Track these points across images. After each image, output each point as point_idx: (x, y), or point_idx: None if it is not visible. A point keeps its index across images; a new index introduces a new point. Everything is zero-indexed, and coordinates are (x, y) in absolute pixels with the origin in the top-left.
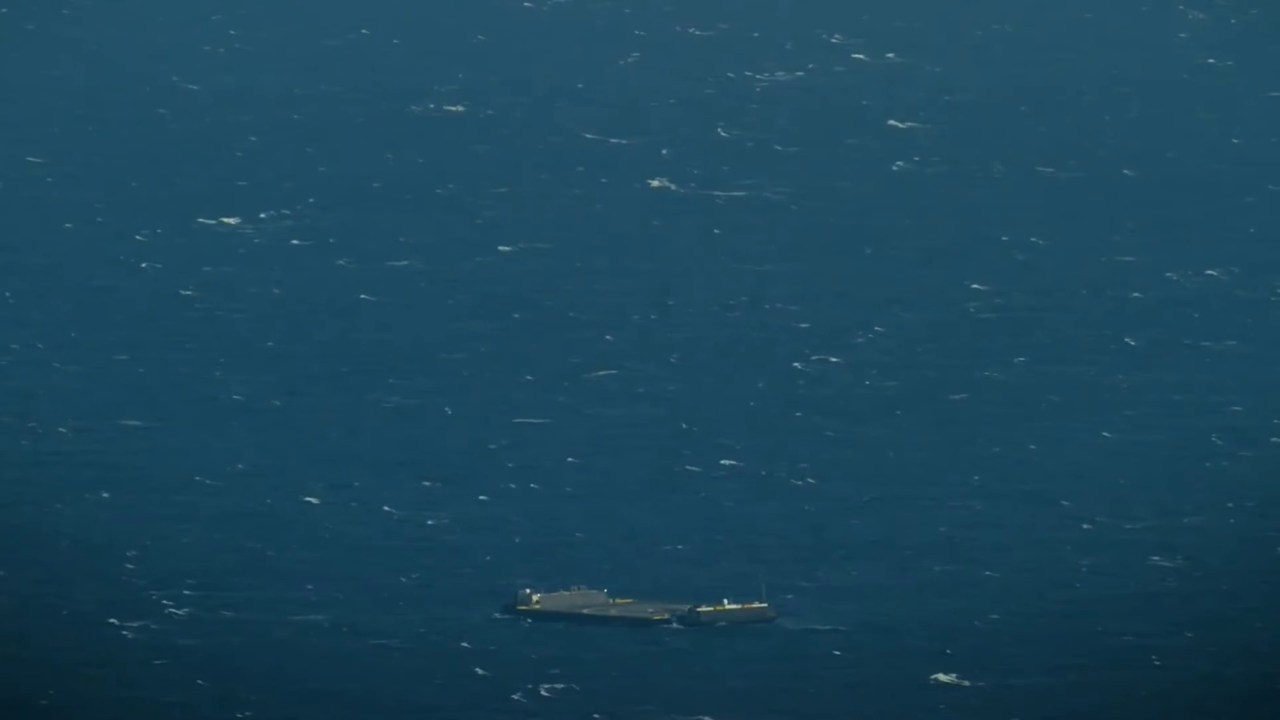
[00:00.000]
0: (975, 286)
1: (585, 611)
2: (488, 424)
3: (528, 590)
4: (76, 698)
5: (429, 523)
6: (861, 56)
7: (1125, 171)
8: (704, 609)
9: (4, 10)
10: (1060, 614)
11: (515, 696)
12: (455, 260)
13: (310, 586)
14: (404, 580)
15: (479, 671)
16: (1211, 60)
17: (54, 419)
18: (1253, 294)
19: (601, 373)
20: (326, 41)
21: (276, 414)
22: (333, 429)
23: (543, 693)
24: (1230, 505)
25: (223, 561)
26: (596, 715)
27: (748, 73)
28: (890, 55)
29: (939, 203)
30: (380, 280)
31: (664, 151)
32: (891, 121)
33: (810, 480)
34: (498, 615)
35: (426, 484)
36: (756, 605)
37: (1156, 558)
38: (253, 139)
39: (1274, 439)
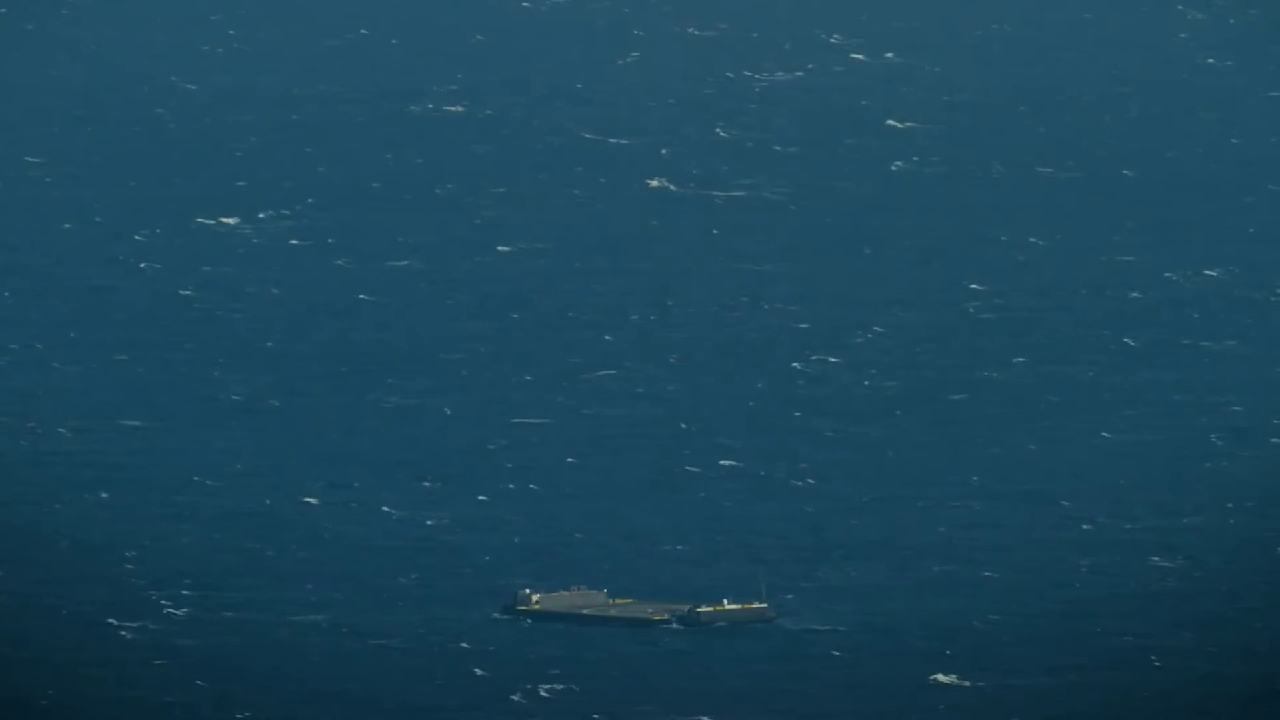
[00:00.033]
0: (974, 287)
1: (585, 612)
2: (487, 424)
3: (527, 590)
4: (76, 698)
5: (428, 523)
6: (860, 56)
7: (1125, 171)
8: (704, 609)
9: (3, 10)
10: (1060, 614)
11: (515, 697)
12: (454, 260)
13: (309, 587)
14: (403, 580)
15: (478, 672)
16: (1211, 60)
17: (53, 419)
18: (1252, 294)
19: (601, 373)
20: (325, 41)
21: (276, 414)
22: (332, 429)
23: (542, 693)
24: (1230, 505)
25: (222, 562)
26: (596, 715)
27: (747, 73)
28: (889, 55)
29: (938, 203)
30: (379, 280)
31: (663, 151)
32: (890, 121)
33: (810, 480)
34: (497, 615)
35: (426, 484)
36: (756, 605)
37: (1156, 558)
38: (252, 139)
39: (1274, 439)
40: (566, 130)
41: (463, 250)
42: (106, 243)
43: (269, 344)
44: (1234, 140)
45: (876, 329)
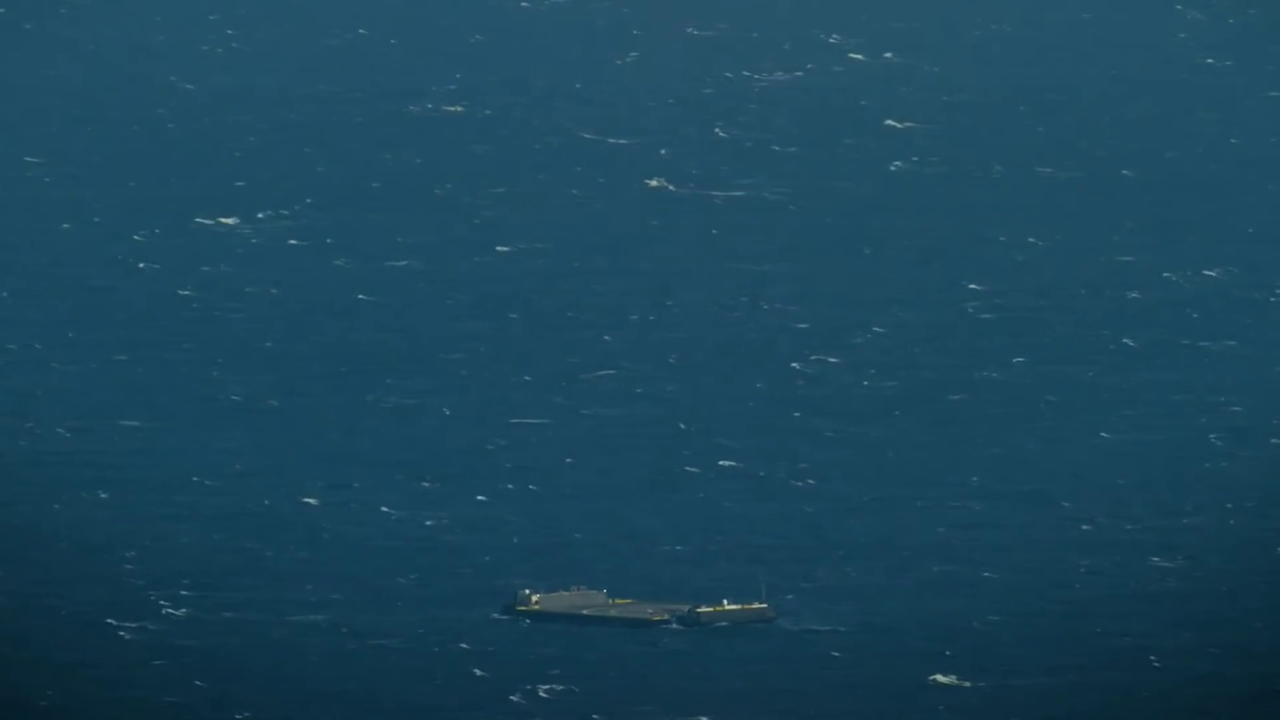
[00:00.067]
0: (974, 287)
1: (584, 612)
2: (486, 424)
3: (527, 591)
4: (75, 698)
5: (428, 523)
6: (860, 56)
7: (1124, 172)
8: (703, 609)
9: (2, 10)
10: (1059, 614)
11: (514, 697)
12: (454, 260)
13: (309, 587)
14: (402, 581)
15: (478, 672)
16: (1210, 60)
17: (52, 419)
18: (1252, 294)
19: (600, 373)
20: (324, 41)
21: (275, 414)
22: (331, 429)
23: (541, 693)
24: (1230, 505)
25: (221, 562)
26: (596, 716)
27: (746, 73)
28: (888, 55)
29: (938, 203)
30: (378, 280)
31: (662, 151)
32: (890, 121)
33: (809, 481)
34: (497, 616)
35: (425, 484)
36: (756, 606)
37: (1156, 558)
38: (251, 139)
39: (1274, 439)
40: (566, 130)
41: (462, 250)
42: (105, 243)
43: (268, 344)
44: (1233, 140)
45: (876, 329)
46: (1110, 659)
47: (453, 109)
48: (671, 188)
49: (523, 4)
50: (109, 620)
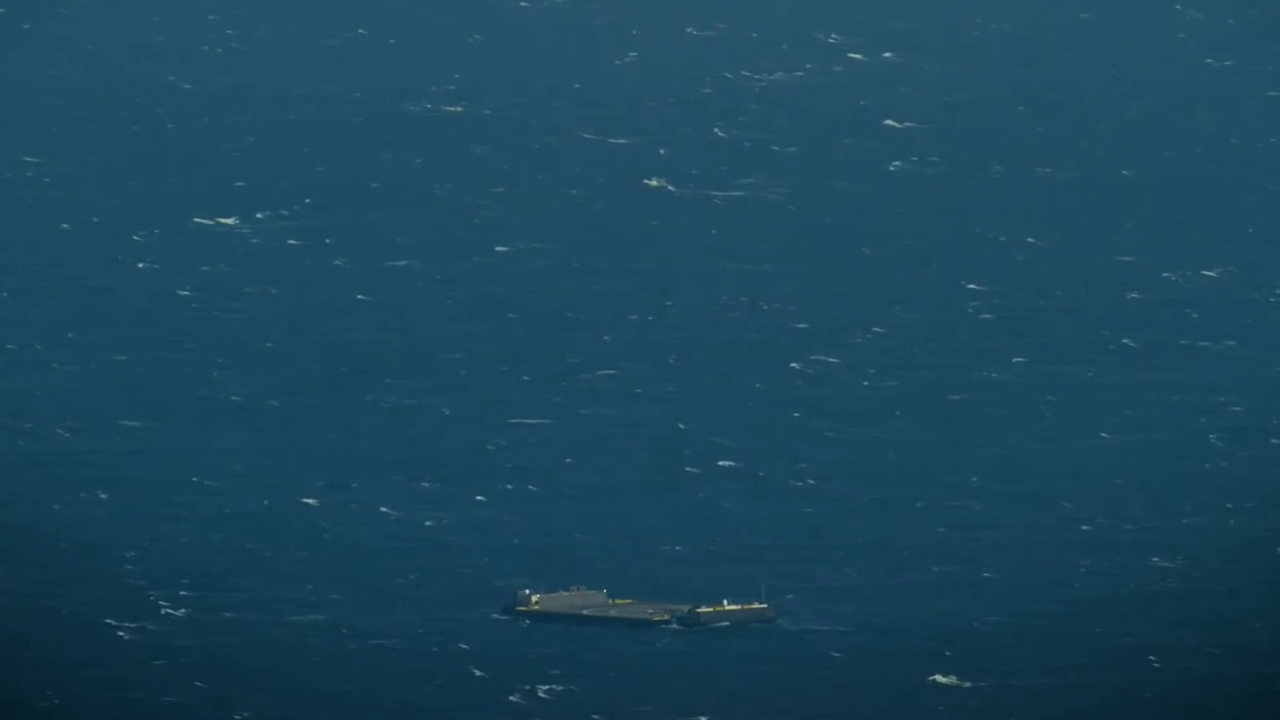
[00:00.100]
0: (973, 287)
1: (584, 612)
2: (486, 424)
3: (527, 591)
4: (74, 698)
5: (427, 523)
6: (859, 56)
7: (1124, 172)
8: (703, 609)
9: (1, 10)
10: (1059, 615)
11: (514, 698)
12: (453, 260)
13: (308, 587)
14: (402, 581)
15: (477, 673)
16: (1210, 60)
17: (51, 419)
18: (1251, 294)
19: (599, 373)
20: (324, 41)
21: (274, 414)
22: (330, 429)
23: (541, 694)
24: (1229, 506)
25: (221, 562)
26: (595, 716)
27: (745, 73)
28: (888, 55)
29: (937, 203)
30: (378, 280)
31: (662, 151)
32: (889, 121)
33: (809, 481)
34: (496, 616)
35: (425, 484)
36: (756, 606)
37: (1156, 558)
38: (250, 139)
39: (1273, 439)
40: (565, 130)
41: (461, 250)
42: (104, 243)
43: (267, 344)
44: (1233, 140)
45: (875, 329)
46: (1110, 659)
47: (452, 109)
48: (671, 188)
49: (522, 4)
50: (108, 620)
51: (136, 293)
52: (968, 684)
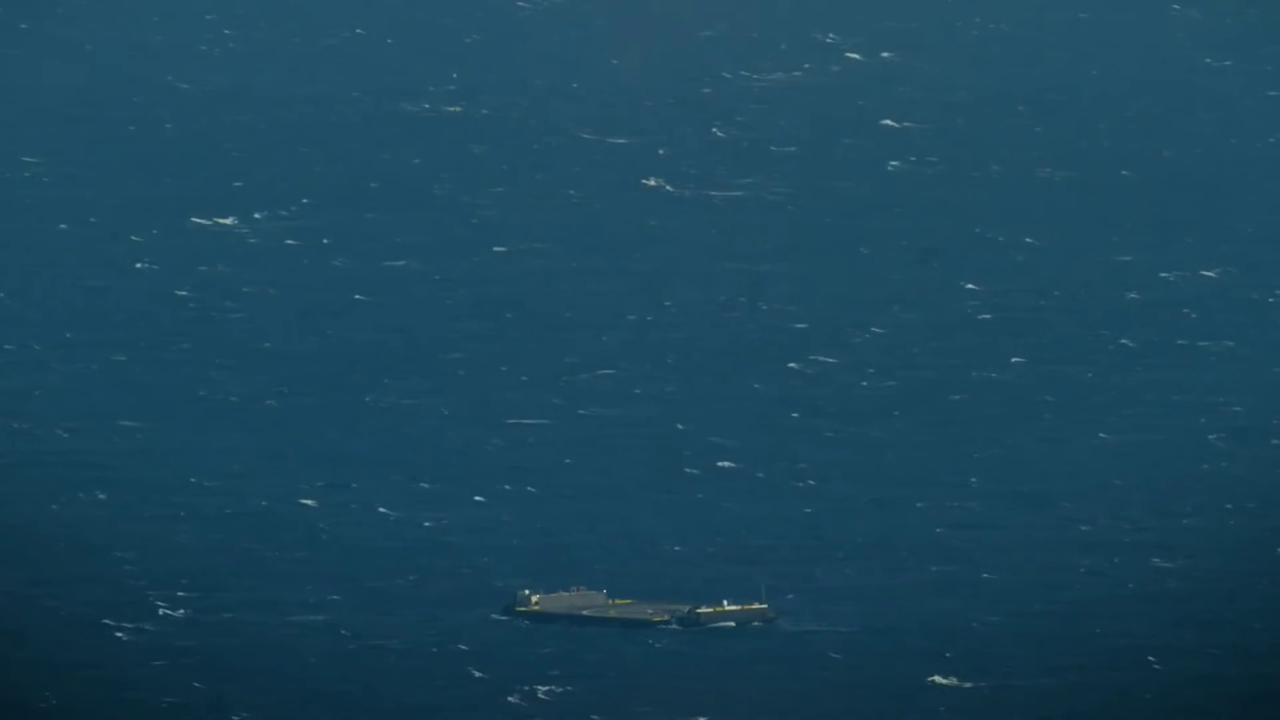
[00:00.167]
0: (972, 286)
1: (584, 613)
2: (484, 424)
3: (527, 591)
4: (73, 699)
5: (426, 524)
6: (857, 56)
7: (1123, 172)
8: (703, 610)
9: None
10: (1059, 615)
11: (513, 698)
12: (451, 260)
13: (307, 588)
14: (401, 581)
15: (476, 673)
16: (1209, 60)
17: (50, 419)
18: (1250, 294)
19: (598, 373)
20: (322, 41)
21: (273, 415)
22: (329, 430)
23: (541, 694)
24: (1229, 506)
25: (219, 562)
26: (595, 716)
27: (744, 72)
28: (886, 55)
29: (936, 203)
30: (376, 280)
31: (660, 151)
32: (888, 121)
33: (808, 481)
34: (496, 616)
35: (424, 485)
36: (756, 606)
37: (1155, 559)
38: (248, 139)
39: (1273, 439)
40: (564, 130)
41: (460, 250)
42: (103, 243)
43: (266, 344)
44: (1232, 140)
45: (875, 329)
46: (1110, 659)
47: (451, 109)
48: (669, 188)
49: (520, 4)
50: (107, 621)
51: (135, 293)
52: (967, 684)
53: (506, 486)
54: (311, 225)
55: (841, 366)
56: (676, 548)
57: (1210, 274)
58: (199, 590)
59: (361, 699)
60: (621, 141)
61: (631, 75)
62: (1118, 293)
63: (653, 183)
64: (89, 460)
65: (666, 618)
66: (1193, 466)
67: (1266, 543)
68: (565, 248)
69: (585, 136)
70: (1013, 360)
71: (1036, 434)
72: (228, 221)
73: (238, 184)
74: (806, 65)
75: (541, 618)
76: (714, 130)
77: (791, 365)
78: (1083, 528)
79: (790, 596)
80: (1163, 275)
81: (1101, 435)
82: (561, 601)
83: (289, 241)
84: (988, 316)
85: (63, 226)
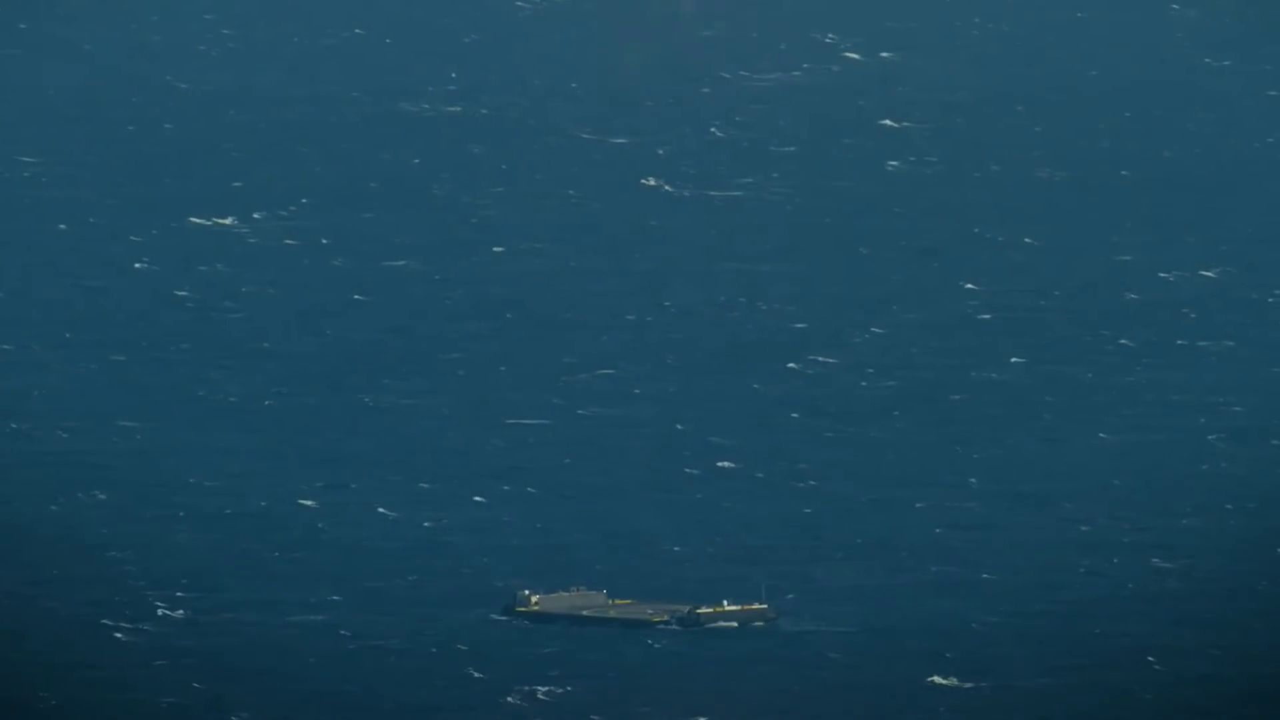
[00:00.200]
0: (972, 286)
1: (584, 613)
2: (484, 425)
3: (527, 591)
4: (72, 699)
5: (425, 524)
6: (856, 56)
7: (1122, 172)
8: (703, 610)
9: None
10: (1058, 615)
11: (512, 698)
12: (451, 260)
13: (307, 588)
14: (400, 582)
15: (476, 673)
16: (1208, 60)
17: (49, 419)
18: (1250, 294)
19: (598, 373)
20: (321, 41)
21: (272, 415)
22: (328, 430)
23: (540, 694)
24: (1229, 506)
25: (219, 563)
26: (595, 716)
27: (743, 72)
28: (885, 55)
29: (935, 203)
30: (375, 280)
31: (660, 151)
32: (887, 121)
33: (808, 481)
34: (495, 616)
35: (423, 485)
36: (756, 606)
37: (1155, 559)
38: (247, 139)
39: (1273, 439)
40: (563, 130)
41: (459, 250)
42: (102, 243)
43: (265, 344)
44: (1231, 140)
45: (874, 329)
46: (1110, 659)
47: (450, 109)
48: (669, 187)
49: (520, 4)
50: (106, 621)
51: (134, 293)
52: (967, 685)
53: (506, 487)
54: (311, 225)
55: (841, 366)
56: (676, 548)
57: (1210, 274)
58: (198, 590)
59: (361, 699)
60: (621, 141)
61: (631, 75)
62: (1117, 293)
63: (652, 182)
64: (88, 460)
65: (666, 618)
66: (1192, 466)
67: (1266, 543)
68: (565, 248)
69: (585, 136)
70: (1012, 360)
71: (1036, 434)
72: (227, 221)
73: (237, 184)
74: (806, 65)
75: (541, 618)
76: (713, 130)
77: (791, 365)
78: (1083, 528)
79: (790, 597)
80: (1162, 275)
81: (1101, 435)
82: (561, 601)
83: (288, 241)
84: (987, 316)
85: (62, 227)
